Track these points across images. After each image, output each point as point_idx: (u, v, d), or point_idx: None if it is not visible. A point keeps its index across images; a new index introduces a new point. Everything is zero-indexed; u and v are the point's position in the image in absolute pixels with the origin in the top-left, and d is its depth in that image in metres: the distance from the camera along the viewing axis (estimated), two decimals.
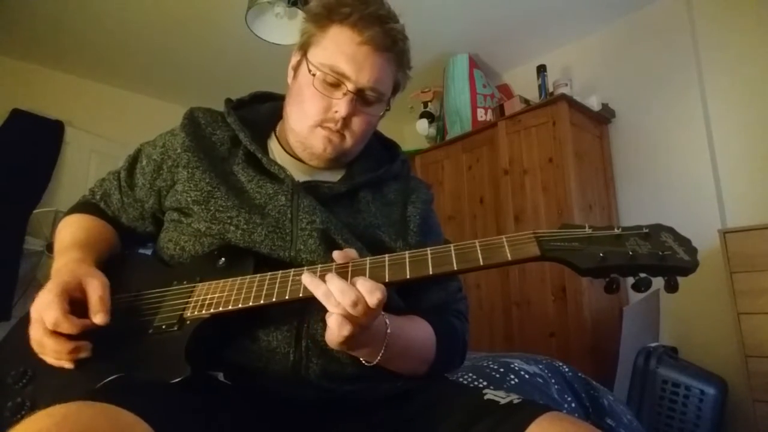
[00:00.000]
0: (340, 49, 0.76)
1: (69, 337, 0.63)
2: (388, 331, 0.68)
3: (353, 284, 0.59)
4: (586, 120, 2.61)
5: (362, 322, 0.60)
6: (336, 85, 0.77)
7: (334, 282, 0.60)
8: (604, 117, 2.69)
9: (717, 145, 2.36)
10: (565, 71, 2.91)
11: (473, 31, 2.82)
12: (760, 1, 2.27)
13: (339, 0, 0.77)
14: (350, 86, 0.76)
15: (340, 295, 0.59)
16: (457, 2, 2.56)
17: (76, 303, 0.65)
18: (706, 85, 2.41)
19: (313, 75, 0.77)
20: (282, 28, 2.04)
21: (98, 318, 0.64)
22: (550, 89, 2.66)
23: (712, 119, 2.38)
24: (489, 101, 2.95)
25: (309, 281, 0.62)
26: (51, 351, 0.63)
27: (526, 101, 2.70)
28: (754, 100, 2.26)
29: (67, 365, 0.64)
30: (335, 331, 0.60)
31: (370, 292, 0.59)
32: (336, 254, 0.66)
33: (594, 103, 2.63)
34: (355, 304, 0.58)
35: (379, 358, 0.68)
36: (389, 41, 0.77)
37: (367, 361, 0.69)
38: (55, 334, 0.62)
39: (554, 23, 2.76)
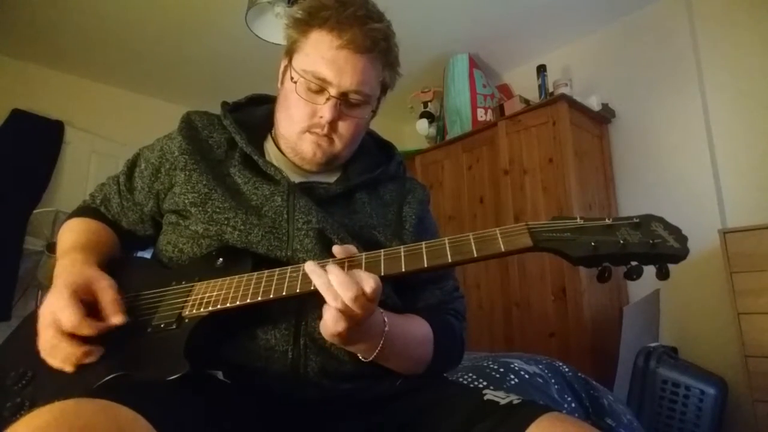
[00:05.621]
0: (320, 55, 0.76)
1: (83, 340, 0.63)
2: (386, 329, 0.68)
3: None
4: (586, 120, 2.60)
5: (358, 318, 0.60)
6: (319, 90, 0.77)
7: (335, 273, 0.60)
8: (604, 117, 2.68)
9: (717, 145, 2.36)
10: (565, 71, 2.91)
11: (473, 31, 2.82)
12: (760, 1, 2.27)
13: (319, 4, 0.76)
14: (333, 91, 0.76)
15: (340, 287, 0.59)
16: (457, 2, 2.56)
17: (84, 305, 0.65)
18: (706, 85, 2.41)
19: (295, 82, 0.77)
20: (282, 28, 2.04)
21: (117, 319, 0.65)
22: (550, 89, 2.66)
23: (712, 119, 2.38)
24: (489, 101, 2.95)
25: (311, 269, 0.62)
26: (64, 354, 0.63)
27: (526, 101, 2.70)
28: (754, 99, 2.26)
29: (70, 369, 0.63)
30: (330, 326, 0.60)
31: (364, 281, 0.59)
32: (336, 249, 0.66)
33: (594, 103, 2.63)
34: (355, 299, 0.58)
35: (375, 354, 0.68)
36: (369, 42, 0.76)
37: (363, 357, 0.69)
38: (71, 337, 0.62)
39: (554, 23, 2.76)
